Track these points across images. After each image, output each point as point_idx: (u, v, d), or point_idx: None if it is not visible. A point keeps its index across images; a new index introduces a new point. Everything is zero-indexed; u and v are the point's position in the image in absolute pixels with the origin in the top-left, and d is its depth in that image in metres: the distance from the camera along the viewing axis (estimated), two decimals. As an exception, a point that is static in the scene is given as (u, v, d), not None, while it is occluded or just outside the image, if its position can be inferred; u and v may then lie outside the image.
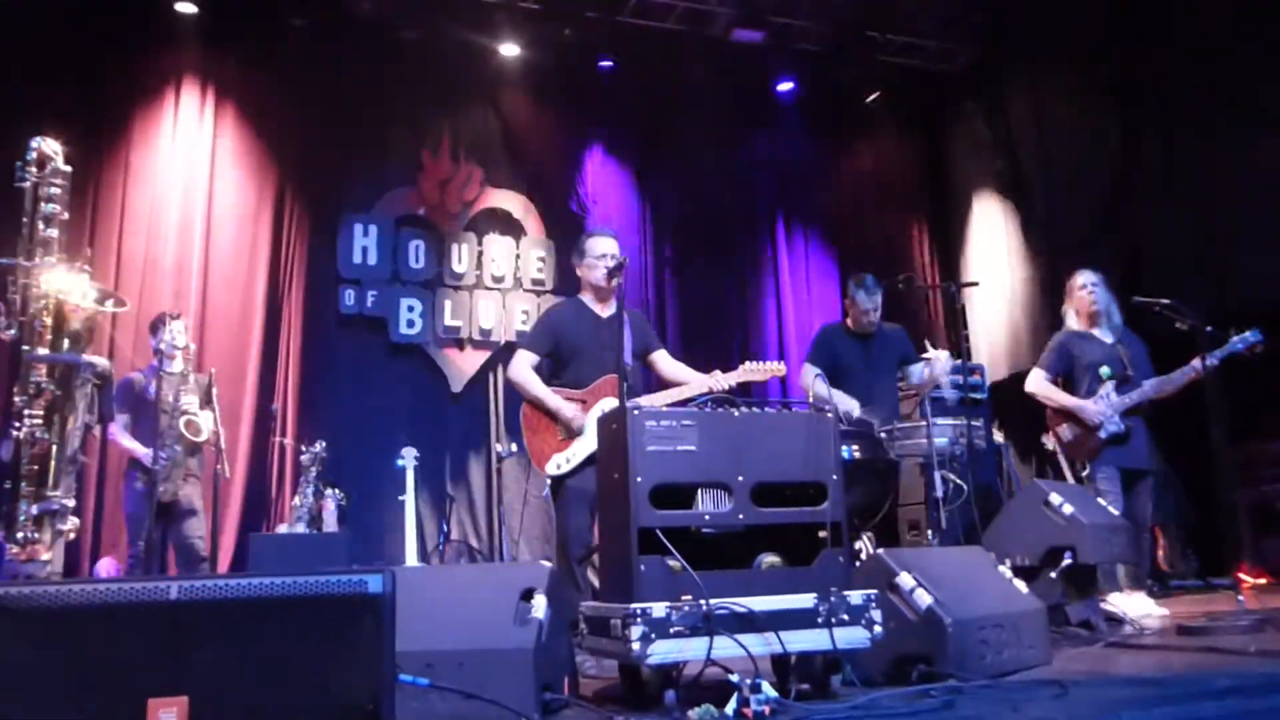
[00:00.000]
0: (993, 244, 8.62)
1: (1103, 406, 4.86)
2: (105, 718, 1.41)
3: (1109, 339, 5.07)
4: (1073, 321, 5.15)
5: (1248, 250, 6.52)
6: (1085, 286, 5.08)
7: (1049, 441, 6.84)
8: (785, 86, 9.03)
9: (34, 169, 4.12)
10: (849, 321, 5.27)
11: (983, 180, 8.89)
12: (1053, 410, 5.04)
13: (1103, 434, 4.83)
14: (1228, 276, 6.58)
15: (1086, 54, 7.67)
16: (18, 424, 3.83)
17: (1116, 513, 4.43)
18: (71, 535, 3.94)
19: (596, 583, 3.84)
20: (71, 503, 3.86)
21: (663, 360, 4.45)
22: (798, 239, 9.23)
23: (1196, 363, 4.64)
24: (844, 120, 9.34)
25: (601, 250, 4.26)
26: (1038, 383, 5.06)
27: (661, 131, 8.79)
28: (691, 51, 8.46)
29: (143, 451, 5.11)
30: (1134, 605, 4.42)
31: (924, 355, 5.02)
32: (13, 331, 3.91)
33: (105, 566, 5.92)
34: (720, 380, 4.15)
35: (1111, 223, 7.48)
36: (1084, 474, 4.86)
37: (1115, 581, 4.51)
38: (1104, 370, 4.93)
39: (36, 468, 3.81)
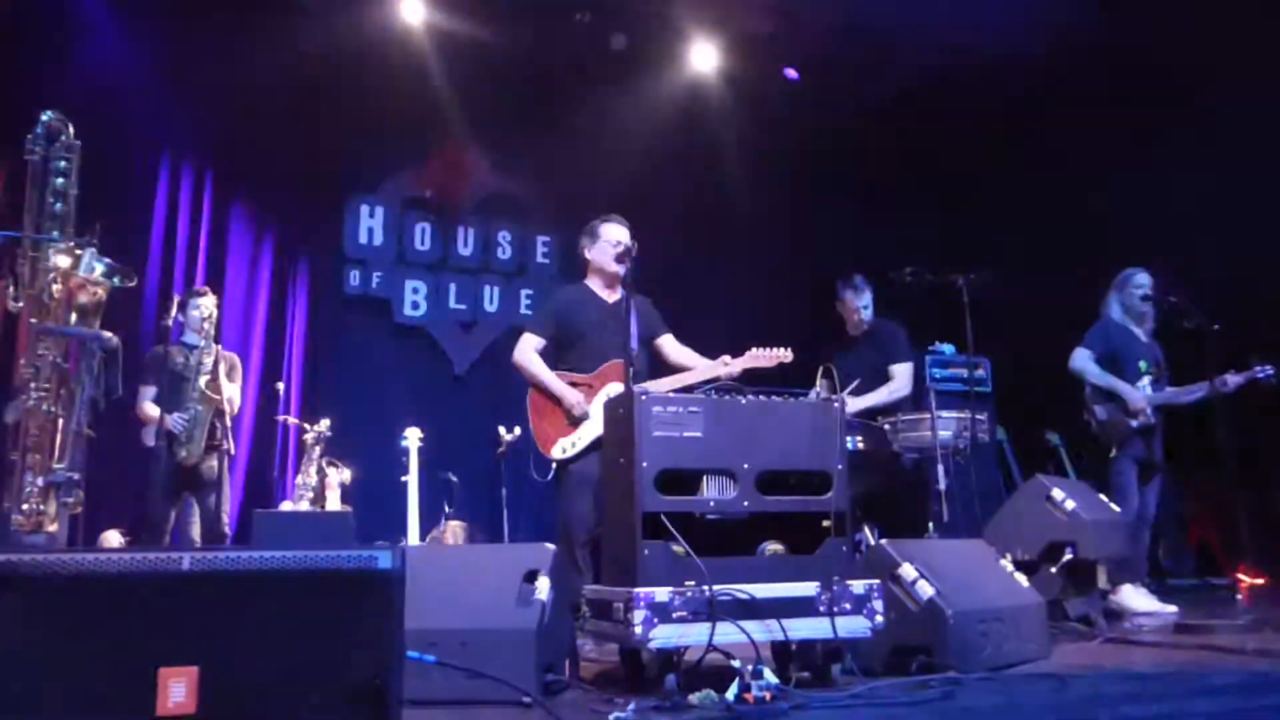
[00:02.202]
0: (999, 234, 8.59)
1: (1144, 396, 4.93)
2: (116, 686, 1.42)
3: (1145, 340, 5.18)
4: (1116, 314, 5.20)
5: (1254, 240, 6.50)
6: (1142, 288, 5.15)
7: (1053, 437, 6.86)
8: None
9: (44, 143, 4.13)
10: (846, 325, 5.28)
11: (994, 174, 8.85)
12: (1092, 389, 5.06)
13: (1135, 423, 4.88)
14: (1232, 272, 6.56)
15: (1098, 44, 7.63)
16: (25, 397, 3.85)
17: (1118, 509, 4.44)
18: (78, 508, 3.96)
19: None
20: (78, 475, 3.87)
21: (669, 345, 4.45)
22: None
23: (1228, 377, 4.82)
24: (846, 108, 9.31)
25: (615, 237, 4.27)
26: (1083, 361, 5.08)
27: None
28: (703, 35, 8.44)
29: (162, 415, 5.14)
30: (1139, 602, 4.44)
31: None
32: (20, 304, 3.93)
33: (110, 539, 5.94)
34: (729, 366, 4.15)
35: (1122, 216, 7.46)
36: (1110, 458, 4.92)
37: (1135, 572, 4.56)
38: (1142, 364, 5.03)
39: (44, 440, 3.83)
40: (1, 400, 4.26)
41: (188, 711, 1.43)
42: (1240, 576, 4.90)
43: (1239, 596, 4.23)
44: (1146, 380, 5.00)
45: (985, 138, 8.24)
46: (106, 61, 6.96)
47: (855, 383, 4.84)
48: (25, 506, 3.79)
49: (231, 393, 5.31)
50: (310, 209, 7.70)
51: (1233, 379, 4.84)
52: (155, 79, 7.15)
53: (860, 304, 5.17)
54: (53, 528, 3.80)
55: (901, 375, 5.09)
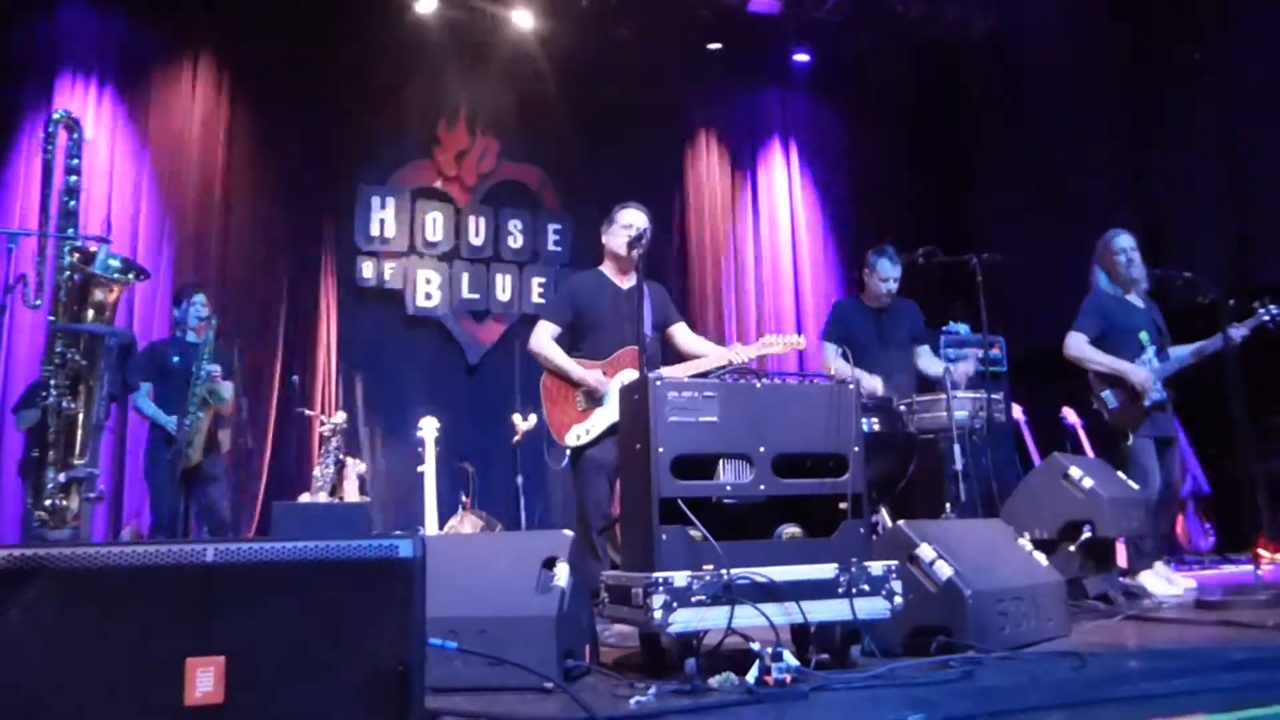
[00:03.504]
0: (1013, 215, 8.56)
1: (1149, 373, 4.72)
2: (145, 676, 1.44)
3: (1141, 305, 4.95)
4: (1105, 284, 4.95)
5: (1269, 222, 6.46)
6: (1124, 252, 4.90)
7: (1069, 415, 6.83)
8: (801, 58, 8.97)
9: (55, 142, 4.15)
10: (864, 294, 5.23)
11: (1002, 149, 8.81)
12: (1095, 375, 4.82)
13: (1148, 401, 4.68)
14: (1248, 248, 6.53)
15: (1107, 19, 7.58)
16: (45, 393, 3.88)
17: (1138, 487, 4.42)
18: (99, 503, 4.00)
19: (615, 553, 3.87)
20: (98, 471, 3.91)
21: (681, 333, 4.45)
22: (816, 214, 9.20)
23: (1232, 331, 4.56)
24: (861, 90, 9.28)
25: (628, 221, 4.27)
26: (1080, 346, 4.81)
27: (680, 103, 8.77)
28: (708, 22, 8.42)
29: (165, 418, 5.16)
30: (1162, 587, 4.43)
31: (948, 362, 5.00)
32: (38, 303, 3.95)
33: (129, 533, 5.99)
34: (739, 353, 4.15)
35: (1133, 192, 7.42)
36: (1127, 444, 4.71)
37: (1148, 560, 4.52)
38: (1143, 335, 4.80)
39: (63, 436, 3.87)
40: (23, 397, 4.30)
41: (215, 701, 1.45)
42: (1260, 551, 4.88)
43: (1259, 571, 4.21)
44: (1151, 351, 4.78)
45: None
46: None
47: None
48: (48, 503, 3.83)
49: (226, 392, 5.27)
50: (321, 201, 7.71)
51: (1237, 331, 4.59)
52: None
53: (893, 275, 5.07)
54: (75, 523, 3.84)
55: (930, 353, 5.15)
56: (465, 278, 8.02)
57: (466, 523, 6.32)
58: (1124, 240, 4.95)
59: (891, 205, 9.09)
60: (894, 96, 9.32)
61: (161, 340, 5.53)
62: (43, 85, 6.81)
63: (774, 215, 9.04)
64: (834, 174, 9.26)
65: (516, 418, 6.52)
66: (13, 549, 1.46)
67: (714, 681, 2.31)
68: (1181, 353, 4.83)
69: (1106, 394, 4.78)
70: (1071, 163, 7.92)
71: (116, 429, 6.23)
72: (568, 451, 4.23)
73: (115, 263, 4.13)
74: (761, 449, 2.69)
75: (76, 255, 4.04)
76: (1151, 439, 4.73)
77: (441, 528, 6.12)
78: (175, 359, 5.26)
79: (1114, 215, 7.09)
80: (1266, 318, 4.62)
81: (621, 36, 8.24)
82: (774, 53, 8.91)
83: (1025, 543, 3.41)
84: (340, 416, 6.34)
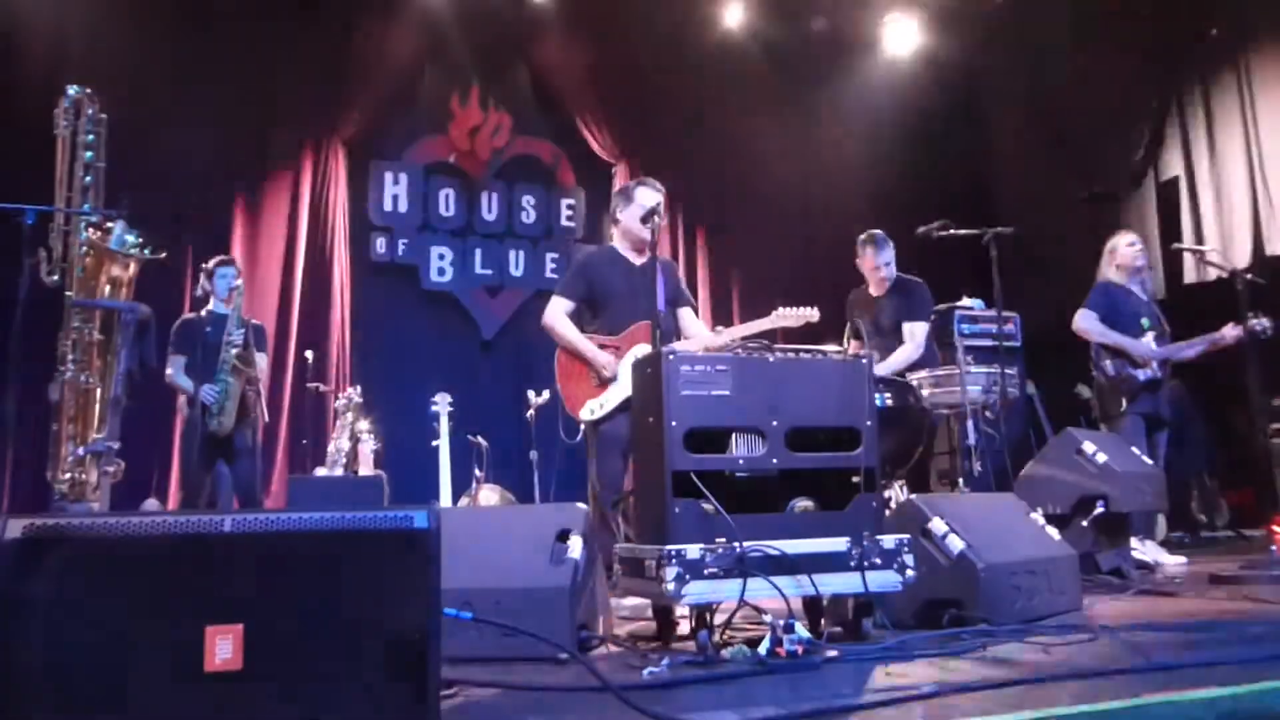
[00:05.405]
0: (1032, 191, 8.48)
1: (1149, 350, 5.02)
2: (166, 644, 1.46)
3: (1144, 297, 5.26)
4: (1114, 275, 5.27)
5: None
6: (1134, 244, 5.27)
7: (1084, 390, 6.82)
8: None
9: (71, 117, 4.17)
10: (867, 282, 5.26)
11: (1024, 128, 8.73)
12: (1099, 347, 5.13)
13: (1142, 377, 4.95)
14: (1263, 223, 6.47)
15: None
16: (62, 368, 3.92)
17: (1150, 461, 4.42)
18: (118, 477, 4.04)
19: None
20: (117, 444, 3.94)
21: (685, 316, 4.45)
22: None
23: (1227, 331, 4.91)
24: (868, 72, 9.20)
25: (645, 199, 4.25)
26: (1088, 320, 5.14)
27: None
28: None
29: (194, 386, 5.21)
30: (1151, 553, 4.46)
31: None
32: (55, 278, 3.98)
33: (149, 508, 6.05)
34: (752, 327, 4.16)
35: (1150, 170, 7.36)
36: (1121, 415, 4.98)
37: (1153, 529, 4.56)
38: (1144, 321, 5.08)
39: (82, 410, 3.91)
40: (40, 373, 4.34)
41: (235, 668, 1.47)
42: (1275, 528, 4.87)
43: (1274, 547, 4.20)
44: (1150, 336, 5.05)
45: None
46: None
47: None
48: (67, 476, 3.87)
49: (260, 361, 5.36)
50: (335, 177, 7.71)
51: (1230, 331, 4.89)
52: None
53: (881, 261, 5.09)
54: (95, 496, 3.88)
55: (916, 335, 5.06)
56: (479, 253, 8.03)
57: (493, 493, 6.35)
58: (1131, 236, 5.38)
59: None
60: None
61: (194, 313, 5.57)
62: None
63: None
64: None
65: (530, 392, 6.53)
66: (34, 519, 1.48)
67: (726, 653, 2.33)
68: (1178, 345, 5.11)
69: (1107, 363, 5.08)
70: (1093, 140, 7.83)
71: (138, 403, 6.28)
72: (581, 426, 4.24)
73: (131, 239, 4.16)
74: (774, 422, 2.69)
75: (92, 231, 4.06)
76: (1142, 417, 4.95)
77: (455, 501, 6.16)
78: (207, 329, 5.31)
79: (1132, 192, 7.06)
80: (1259, 328, 4.77)
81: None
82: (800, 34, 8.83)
83: (1038, 517, 3.41)
84: (355, 391, 6.37)
